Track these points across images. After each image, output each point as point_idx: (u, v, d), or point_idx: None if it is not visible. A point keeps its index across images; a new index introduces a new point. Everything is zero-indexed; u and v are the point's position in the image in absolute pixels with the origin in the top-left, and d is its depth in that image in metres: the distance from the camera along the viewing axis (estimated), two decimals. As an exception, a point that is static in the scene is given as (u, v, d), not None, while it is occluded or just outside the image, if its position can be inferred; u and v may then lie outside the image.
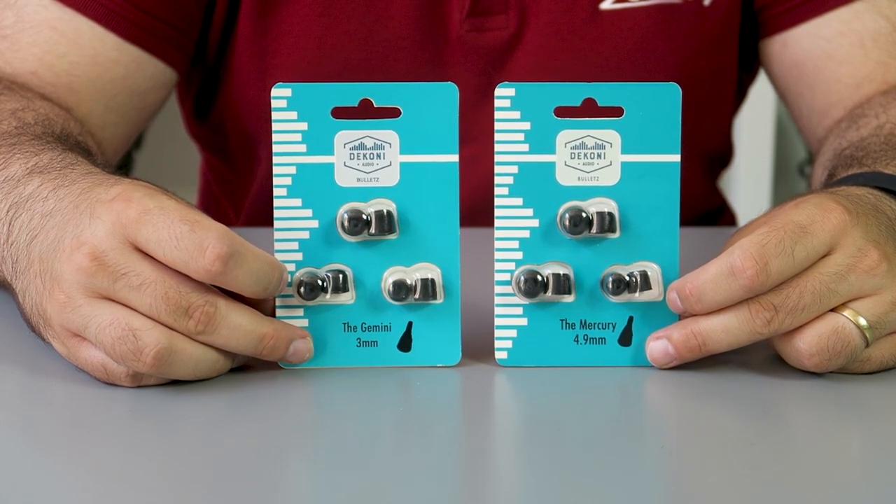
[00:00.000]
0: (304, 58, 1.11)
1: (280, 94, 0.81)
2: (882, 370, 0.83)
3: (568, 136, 0.82)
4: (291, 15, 1.10)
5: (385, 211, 0.81)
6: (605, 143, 0.82)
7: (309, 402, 0.80)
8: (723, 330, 0.80)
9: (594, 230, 0.82)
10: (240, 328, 0.78)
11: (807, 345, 0.80)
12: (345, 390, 0.80)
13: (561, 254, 0.83)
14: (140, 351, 0.76)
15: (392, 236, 0.82)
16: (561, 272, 0.82)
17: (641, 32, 1.12)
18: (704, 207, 1.25)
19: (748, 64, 1.20)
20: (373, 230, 0.81)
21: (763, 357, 0.84)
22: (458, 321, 0.83)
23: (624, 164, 0.82)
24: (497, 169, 0.82)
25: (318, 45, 1.11)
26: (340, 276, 0.82)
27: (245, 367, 0.82)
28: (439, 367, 0.83)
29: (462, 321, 0.83)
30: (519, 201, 0.82)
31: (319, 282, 0.81)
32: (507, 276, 0.83)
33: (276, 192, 0.81)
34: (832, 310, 0.80)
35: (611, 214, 0.82)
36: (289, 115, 0.81)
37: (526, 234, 0.82)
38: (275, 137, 0.81)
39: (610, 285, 0.82)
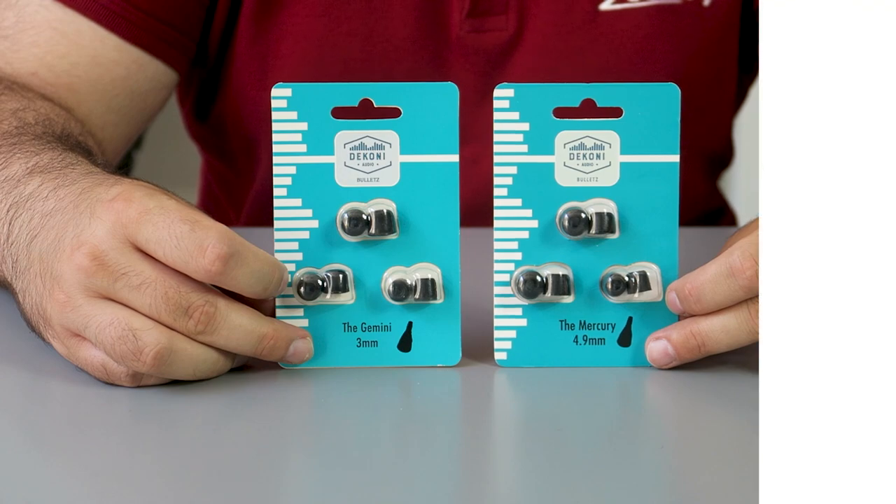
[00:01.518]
0: (304, 58, 1.11)
1: (280, 94, 0.81)
2: (881, 370, 0.83)
3: (567, 136, 0.82)
4: (292, 16, 1.10)
5: (385, 211, 0.81)
6: (604, 144, 0.82)
7: (309, 402, 0.80)
8: (722, 330, 0.80)
9: (593, 231, 0.82)
10: (240, 328, 0.78)
11: (806, 345, 0.80)
12: (345, 390, 0.80)
13: (560, 254, 0.83)
14: (140, 351, 0.76)
15: (392, 236, 0.82)
16: (560, 273, 0.82)
17: (641, 33, 1.12)
18: (705, 208, 1.26)
19: (748, 64, 1.20)
20: (373, 230, 0.81)
21: (762, 357, 0.84)
22: (458, 321, 0.83)
23: (623, 165, 0.82)
24: (496, 170, 0.82)
25: (318, 46, 1.11)
26: (340, 276, 0.82)
27: (245, 367, 0.82)
28: (439, 367, 0.83)
29: (462, 321, 0.83)
30: (518, 202, 0.82)
31: (319, 282, 0.81)
32: (506, 277, 0.83)
33: (276, 192, 0.82)
34: (831, 310, 0.80)
35: (610, 215, 0.82)
36: (289, 115, 0.81)
37: (525, 234, 0.82)
38: (275, 137, 0.81)
39: (609, 286, 0.82)
